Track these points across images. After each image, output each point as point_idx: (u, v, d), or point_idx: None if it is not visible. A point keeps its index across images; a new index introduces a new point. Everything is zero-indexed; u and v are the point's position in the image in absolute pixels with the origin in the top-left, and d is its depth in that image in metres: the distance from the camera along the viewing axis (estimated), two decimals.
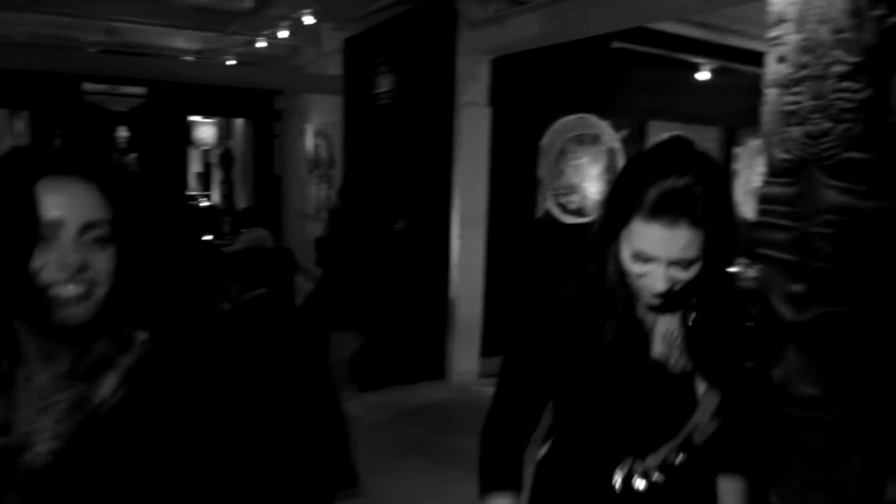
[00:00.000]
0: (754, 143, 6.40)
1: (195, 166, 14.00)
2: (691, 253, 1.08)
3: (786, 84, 1.65)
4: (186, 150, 12.87)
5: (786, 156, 1.66)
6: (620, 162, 5.73)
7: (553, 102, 5.24)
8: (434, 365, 5.05)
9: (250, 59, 8.65)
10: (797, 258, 1.63)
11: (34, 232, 0.82)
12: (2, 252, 0.82)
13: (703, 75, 5.63)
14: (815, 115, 1.59)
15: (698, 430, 1.23)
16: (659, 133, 5.83)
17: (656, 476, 1.23)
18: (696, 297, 1.18)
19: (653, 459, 1.23)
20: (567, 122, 5.35)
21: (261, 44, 7.29)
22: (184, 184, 12.93)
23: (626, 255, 1.13)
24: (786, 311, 1.65)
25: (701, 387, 1.21)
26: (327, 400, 2.59)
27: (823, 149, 1.57)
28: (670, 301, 1.15)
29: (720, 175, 1.12)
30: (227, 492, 0.96)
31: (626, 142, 5.63)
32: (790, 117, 1.65)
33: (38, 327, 0.85)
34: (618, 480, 1.24)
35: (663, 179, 1.06)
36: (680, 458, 1.24)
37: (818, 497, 1.61)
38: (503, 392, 1.34)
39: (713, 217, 1.07)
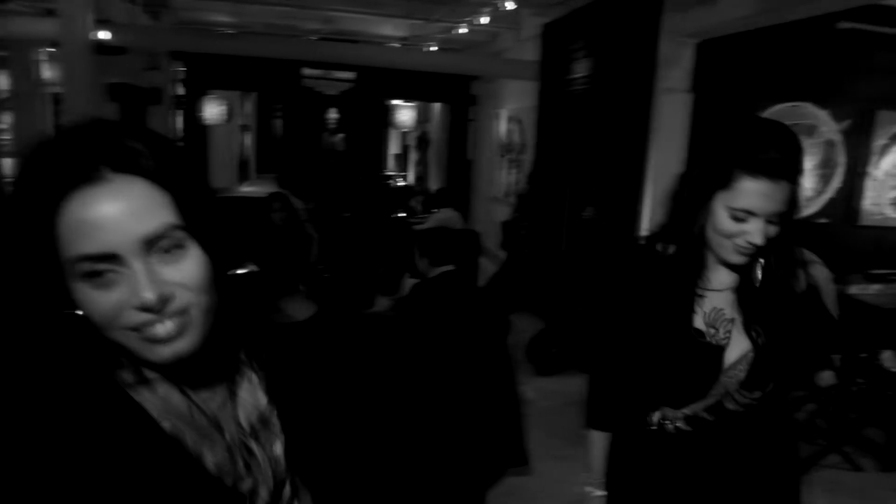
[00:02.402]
0: None
1: (393, 148, 14.84)
2: (783, 207, 1.21)
3: None
4: (387, 133, 13.69)
5: None
6: (840, 156, 5.20)
7: (763, 89, 4.86)
8: None
9: (451, 45, 8.97)
10: None
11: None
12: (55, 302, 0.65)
13: None
14: None
15: (729, 398, 1.35)
16: (889, 124, 5.19)
17: (681, 424, 1.39)
18: (765, 257, 1.30)
19: (683, 413, 1.39)
20: (779, 111, 4.94)
21: (462, 30, 7.52)
22: (382, 164, 13.77)
23: (722, 215, 1.24)
24: None
25: (729, 360, 1.33)
26: (505, 379, 2.66)
27: None
28: (752, 257, 1.27)
29: (800, 140, 1.24)
30: (411, 457, 0.93)
31: (848, 133, 5.07)
32: None
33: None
34: (654, 420, 1.42)
35: (771, 142, 1.20)
36: (710, 417, 1.37)
37: None
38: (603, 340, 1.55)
39: (799, 175, 1.23)
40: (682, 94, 4.60)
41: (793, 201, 1.24)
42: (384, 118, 12.10)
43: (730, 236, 1.25)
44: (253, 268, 3.75)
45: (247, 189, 12.34)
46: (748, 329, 1.32)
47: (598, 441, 1.56)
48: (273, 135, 14.83)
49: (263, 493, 0.76)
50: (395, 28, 8.77)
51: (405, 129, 12.45)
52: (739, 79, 4.76)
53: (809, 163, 5.06)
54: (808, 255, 1.36)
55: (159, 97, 8.23)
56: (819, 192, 5.26)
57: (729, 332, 1.33)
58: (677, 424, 1.40)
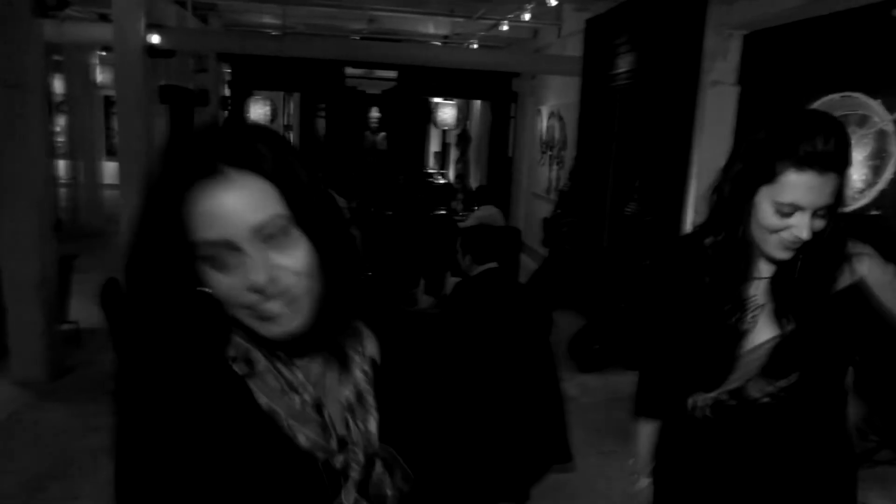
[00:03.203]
0: None
1: (434, 146, 14.90)
2: (831, 200, 1.19)
3: None
4: (427, 130, 13.75)
5: None
6: (893, 146, 5.04)
7: (812, 80, 4.75)
8: None
9: (493, 42, 8.97)
10: None
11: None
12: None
13: None
14: None
15: (753, 386, 1.34)
16: None
17: (707, 411, 1.40)
18: (808, 250, 1.26)
19: (710, 397, 1.40)
20: (829, 102, 4.81)
21: (504, 27, 7.52)
22: (423, 162, 13.85)
23: (766, 209, 1.22)
24: None
25: (751, 343, 1.32)
26: (548, 376, 2.67)
27: None
28: (797, 251, 1.25)
29: (847, 131, 1.22)
30: (456, 452, 0.96)
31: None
32: None
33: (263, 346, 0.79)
34: (691, 404, 1.43)
35: (819, 134, 1.17)
36: (732, 402, 1.38)
37: None
38: (652, 333, 1.59)
39: (847, 167, 1.19)
40: (728, 88, 4.52)
41: (839, 194, 1.21)
42: (425, 116, 12.17)
43: (775, 231, 1.22)
44: None
45: None
46: (778, 316, 1.31)
47: (646, 430, 1.59)
48: (316, 134, 15.04)
49: (355, 469, 0.82)
50: (437, 26, 8.82)
51: (446, 127, 12.49)
52: (788, 70, 4.65)
53: (861, 153, 4.92)
54: (862, 247, 1.31)
55: (207, 98, 8.43)
56: (871, 184, 5.10)
57: (756, 316, 1.32)
58: (706, 412, 1.41)
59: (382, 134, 12.82)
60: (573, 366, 4.76)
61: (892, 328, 1.31)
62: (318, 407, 0.81)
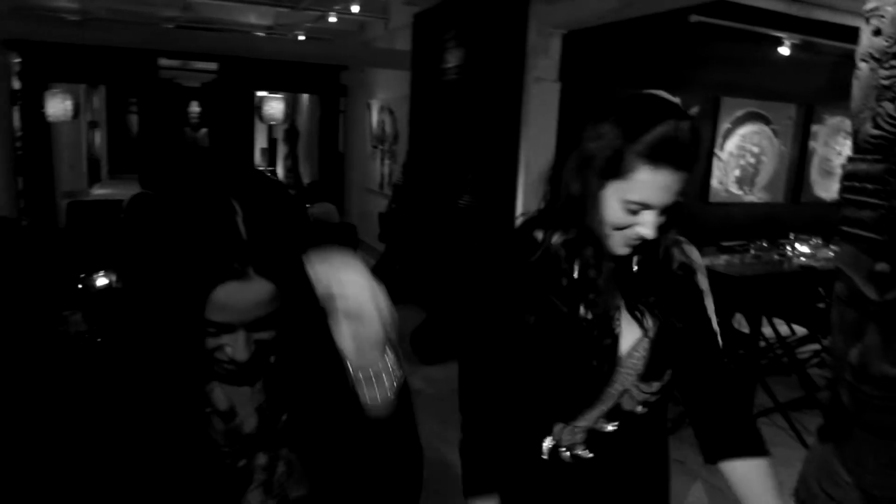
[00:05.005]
0: (834, 121, 6.14)
1: (261, 141, 14.34)
2: (679, 198, 1.12)
3: (880, 58, 1.59)
4: (253, 125, 13.20)
5: (876, 132, 1.61)
6: None
7: (624, 79, 5.15)
8: None
9: (319, 34, 8.76)
10: (883, 237, 1.59)
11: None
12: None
13: (784, 50, 5.41)
14: None
15: (628, 397, 1.21)
16: (732, 109, 5.66)
17: (581, 450, 1.21)
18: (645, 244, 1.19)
19: (580, 425, 1.21)
20: None
21: (332, 18, 7.37)
22: (250, 158, 13.28)
23: (614, 206, 1.12)
24: (868, 291, 1.61)
25: (623, 348, 1.20)
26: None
27: None
28: (637, 248, 1.17)
29: (696, 121, 1.15)
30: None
31: (698, 119, 5.47)
32: (883, 92, 1.59)
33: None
34: (546, 448, 1.23)
35: (675, 132, 1.08)
36: (611, 427, 1.21)
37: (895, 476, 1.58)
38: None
39: (696, 164, 1.12)
40: (551, 84, 4.77)
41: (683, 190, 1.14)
42: (250, 110, 11.66)
43: (620, 228, 1.13)
44: (113, 277, 3.49)
45: (100, 191, 11.48)
46: (632, 312, 1.21)
47: None
48: (128, 131, 13.86)
49: (258, 469, 0.94)
50: (260, 16, 8.45)
51: (273, 122, 12.06)
52: (603, 68, 5.00)
53: None
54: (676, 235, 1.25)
55: None
56: None
57: (618, 319, 1.20)
58: (576, 451, 1.22)
59: (204, 130, 12.10)
60: (416, 359, 4.80)
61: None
62: (233, 409, 0.92)
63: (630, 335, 1.21)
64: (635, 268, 1.22)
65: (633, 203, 1.10)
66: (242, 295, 0.85)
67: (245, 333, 0.88)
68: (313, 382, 0.96)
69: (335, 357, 0.85)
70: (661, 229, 1.15)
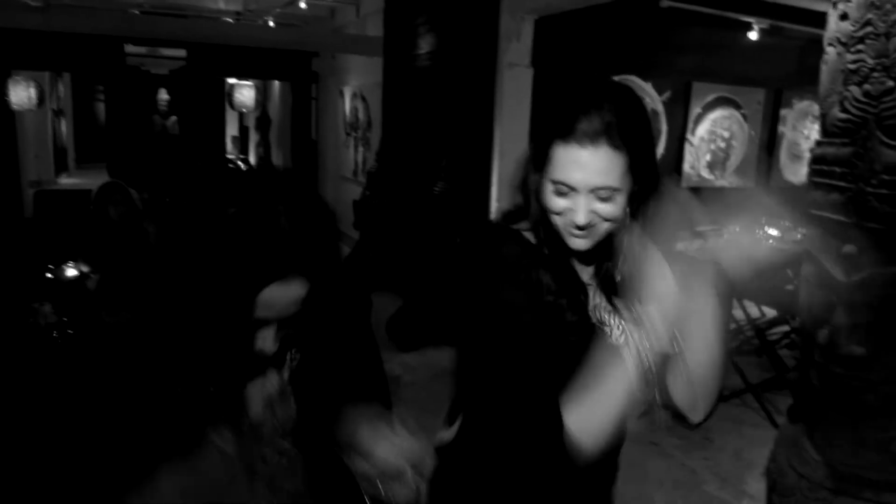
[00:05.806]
0: (802, 105, 6.23)
1: (232, 129, 14.15)
2: (612, 180, 1.05)
3: (847, 42, 1.61)
4: (224, 113, 13.01)
5: (843, 115, 1.63)
6: (663, 124, 5.65)
7: (596, 64, 5.16)
8: None
9: (290, 20, 8.64)
10: (851, 219, 1.61)
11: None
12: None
13: (754, 35, 5.46)
14: (877, 74, 1.55)
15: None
16: (703, 94, 5.72)
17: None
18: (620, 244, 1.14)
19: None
20: None
21: (302, 4, 7.27)
22: (221, 146, 13.10)
23: (548, 189, 1.10)
24: (836, 272, 1.64)
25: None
26: (370, 359, 2.65)
27: (884, 108, 1.54)
28: (591, 240, 1.11)
29: (639, 103, 1.12)
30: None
31: (669, 104, 5.53)
32: (850, 76, 1.61)
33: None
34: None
35: (583, 105, 1.06)
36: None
37: (867, 455, 1.62)
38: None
39: (634, 142, 1.06)
40: (524, 69, 4.76)
41: (636, 174, 1.08)
42: (221, 98, 11.50)
43: (557, 214, 1.10)
44: (85, 269, 3.43)
45: (67, 181, 11.24)
46: (616, 310, 1.15)
47: None
48: (95, 120, 13.57)
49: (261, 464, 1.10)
50: (229, 2, 8.29)
51: (244, 109, 11.91)
52: (575, 54, 5.01)
53: None
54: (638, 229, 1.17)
55: None
56: None
57: (606, 320, 1.15)
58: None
59: (173, 118, 11.90)
60: (392, 346, 4.79)
61: None
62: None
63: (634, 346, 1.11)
64: (613, 273, 1.17)
65: (557, 183, 1.07)
66: (284, 294, 1.00)
67: (276, 329, 1.07)
68: (327, 377, 1.09)
69: (351, 359, 1.02)
70: (614, 219, 1.09)
